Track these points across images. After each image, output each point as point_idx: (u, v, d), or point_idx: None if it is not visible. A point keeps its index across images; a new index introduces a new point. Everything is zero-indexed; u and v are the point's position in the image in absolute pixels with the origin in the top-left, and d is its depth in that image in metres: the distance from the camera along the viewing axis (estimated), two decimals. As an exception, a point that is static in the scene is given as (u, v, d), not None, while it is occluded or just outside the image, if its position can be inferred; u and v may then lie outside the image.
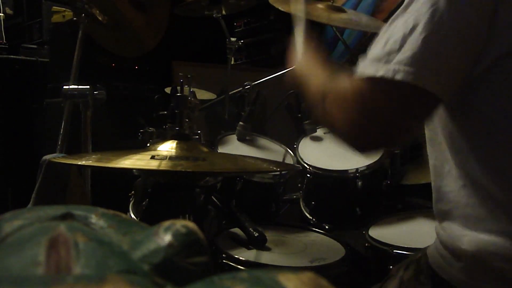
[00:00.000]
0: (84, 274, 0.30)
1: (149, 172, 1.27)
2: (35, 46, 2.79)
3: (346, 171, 1.54)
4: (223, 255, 1.13)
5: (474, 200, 0.73)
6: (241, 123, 1.69)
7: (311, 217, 1.57)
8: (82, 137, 1.44)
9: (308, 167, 1.58)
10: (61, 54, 2.36)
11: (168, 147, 1.08)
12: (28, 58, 2.68)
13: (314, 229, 1.41)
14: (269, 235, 1.25)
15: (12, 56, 2.68)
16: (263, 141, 1.75)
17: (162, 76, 2.65)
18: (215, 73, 2.44)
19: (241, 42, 2.23)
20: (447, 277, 0.76)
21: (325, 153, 1.68)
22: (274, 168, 1.31)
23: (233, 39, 2.17)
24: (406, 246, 1.18)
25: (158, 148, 1.08)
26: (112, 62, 2.50)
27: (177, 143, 1.09)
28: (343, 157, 1.63)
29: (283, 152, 1.71)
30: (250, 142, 1.72)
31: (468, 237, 0.73)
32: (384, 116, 0.72)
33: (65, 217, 0.38)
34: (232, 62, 2.37)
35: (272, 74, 2.04)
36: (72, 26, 2.11)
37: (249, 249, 1.20)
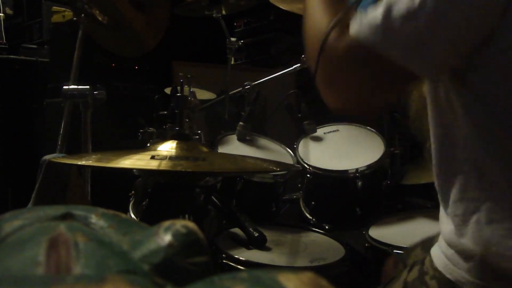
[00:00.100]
0: (84, 274, 0.30)
1: (149, 172, 1.27)
2: (35, 46, 2.79)
3: (346, 171, 1.55)
4: (223, 255, 1.13)
5: (482, 200, 0.73)
6: (241, 123, 1.70)
7: (311, 217, 1.57)
8: (82, 137, 1.44)
9: (308, 167, 1.58)
10: (61, 54, 2.36)
11: (168, 147, 1.08)
12: (28, 58, 2.68)
13: (314, 229, 1.41)
14: (269, 235, 1.25)
15: (12, 56, 2.68)
16: (263, 141, 1.75)
17: (162, 76, 2.65)
18: (215, 73, 2.44)
19: (241, 42, 2.23)
20: (453, 278, 0.76)
21: (325, 153, 1.68)
22: (274, 168, 1.31)
23: (233, 39, 2.17)
24: (406, 246, 1.17)
25: (158, 148, 1.08)
26: (112, 62, 2.50)
27: (177, 143, 1.09)
28: (343, 157, 1.63)
29: (283, 152, 1.71)
30: (250, 142, 1.72)
31: (476, 238, 0.73)
32: (363, 83, 0.72)
33: (65, 217, 0.38)
34: (232, 62, 2.37)
35: (272, 74, 2.04)
36: (72, 26, 2.11)
37: (249, 249, 1.20)
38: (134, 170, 1.36)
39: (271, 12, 2.90)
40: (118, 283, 0.29)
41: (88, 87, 1.41)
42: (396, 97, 0.81)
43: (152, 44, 1.72)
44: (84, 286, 0.27)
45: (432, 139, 0.85)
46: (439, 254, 0.80)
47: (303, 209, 1.60)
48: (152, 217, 1.31)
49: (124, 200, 1.47)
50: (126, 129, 1.91)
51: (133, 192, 1.47)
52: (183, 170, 0.95)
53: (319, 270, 1.10)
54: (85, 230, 0.36)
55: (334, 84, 0.75)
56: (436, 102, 0.79)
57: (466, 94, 0.72)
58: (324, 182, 1.60)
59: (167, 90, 2.02)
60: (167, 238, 0.36)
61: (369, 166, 1.54)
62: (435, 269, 0.80)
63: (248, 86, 1.98)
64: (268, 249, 1.21)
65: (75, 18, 1.54)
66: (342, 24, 0.73)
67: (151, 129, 1.51)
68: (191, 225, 0.37)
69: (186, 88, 1.26)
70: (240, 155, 1.43)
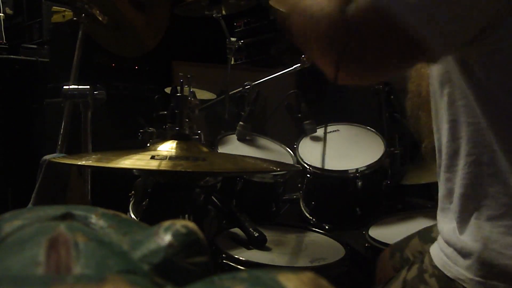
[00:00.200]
0: (84, 274, 0.30)
1: (149, 172, 1.27)
2: (35, 46, 2.79)
3: (346, 171, 1.55)
4: (223, 255, 1.13)
5: (482, 198, 0.73)
6: (241, 123, 1.70)
7: (311, 217, 1.57)
8: (82, 137, 1.44)
9: (308, 167, 1.58)
10: (61, 54, 2.36)
11: (168, 147, 1.08)
12: (28, 58, 2.68)
13: (314, 229, 1.41)
14: (269, 235, 1.25)
15: (12, 56, 2.68)
16: (263, 141, 1.75)
17: (162, 76, 2.65)
18: (215, 73, 2.44)
19: (241, 42, 2.23)
20: (452, 275, 0.76)
21: (325, 153, 1.68)
22: (274, 168, 1.31)
23: (233, 39, 2.17)
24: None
25: (158, 148, 1.08)
26: (112, 62, 2.50)
27: (177, 143, 1.09)
28: (343, 157, 1.63)
29: (283, 152, 1.71)
30: (250, 142, 1.72)
31: (475, 235, 0.74)
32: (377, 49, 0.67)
33: (65, 217, 0.38)
34: (232, 62, 2.37)
35: (272, 74, 2.04)
36: (72, 26, 2.11)
37: (249, 249, 1.20)
38: (134, 170, 1.36)
39: (271, 12, 2.90)
40: (118, 283, 0.29)
41: (88, 87, 1.41)
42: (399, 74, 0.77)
43: (152, 44, 1.72)
44: (84, 286, 0.27)
45: (436, 137, 0.85)
46: (438, 253, 0.81)
47: (303, 209, 1.60)
48: (152, 217, 1.31)
49: (124, 200, 1.47)
50: (126, 129, 1.91)
51: (133, 192, 1.47)
52: (183, 170, 0.95)
53: (319, 270, 1.10)
54: (85, 230, 0.36)
55: (365, 56, 0.69)
56: (449, 98, 0.78)
57: (472, 91, 0.72)
58: (324, 182, 1.60)
59: (167, 90, 2.03)
60: (167, 238, 0.35)
61: (369, 166, 1.54)
62: (434, 267, 0.80)
63: (248, 86, 1.98)
64: (268, 249, 1.21)
65: (75, 18, 1.53)
66: None
67: (151, 129, 1.51)
68: (191, 225, 0.37)
69: (186, 88, 1.26)
70: (240, 155, 1.43)
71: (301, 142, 1.72)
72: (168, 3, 1.81)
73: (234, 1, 2.14)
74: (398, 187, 1.62)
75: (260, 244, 1.21)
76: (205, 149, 1.15)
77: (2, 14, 2.94)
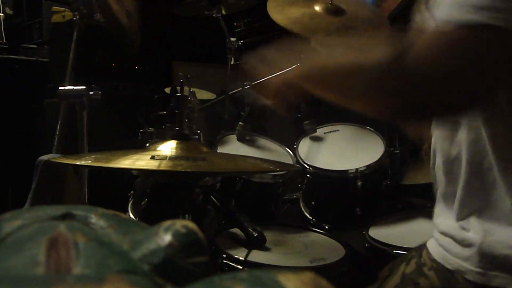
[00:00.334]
0: (84, 274, 0.30)
1: (148, 172, 1.27)
2: (35, 46, 2.79)
3: (346, 171, 1.55)
4: (223, 255, 1.13)
5: (482, 188, 0.74)
6: (240, 123, 1.70)
7: (311, 217, 1.57)
8: (78, 138, 1.43)
9: (308, 167, 1.58)
10: (61, 54, 2.35)
11: (167, 147, 1.08)
12: (28, 58, 2.68)
13: (314, 229, 1.41)
14: (269, 235, 1.25)
15: (12, 56, 2.68)
16: (263, 141, 1.75)
17: (162, 76, 2.66)
18: (215, 73, 2.44)
19: (241, 42, 2.23)
20: (452, 267, 0.76)
21: (325, 153, 1.68)
22: (274, 168, 1.31)
23: (233, 39, 2.17)
24: (406, 246, 1.18)
25: (158, 148, 1.08)
26: (112, 62, 2.50)
27: (177, 143, 1.09)
28: (343, 157, 1.63)
29: (283, 152, 1.71)
30: (250, 142, 1.72)
31: (475, 226, 0.74)
32: (485, 68, 0.64)
33: (65, 217, 0.38)
34: (232, 62, 2.37)
35: (272, 74, 2.04)
36: (72, 26, 2.11)
37: (249, 249, 1.20)
38: (133, 170, 1.36)
39: (271, 12, 2.90)
40: (118, 283, 0.29)
41: (84, 87, 1.41)
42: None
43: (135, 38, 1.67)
44: (84, 286, 0.27)
45: (433, 139, 0.86)
46: (435, 246, 0.81)
47: (303, 209, 1.60)
48: (151, 217, 1.31)
49: (123, 200, 1.47)
50: (126, 129, 1.91)
51: (132, 192, 1.47)
52: (182, 170, 0.95)
53: (319, 270, 1.10)
54: (85, 230, 0.36)
55: (457, 81, 0.65)
56: None
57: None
58: (324, 182, 1.60)
59: (167, 90, 2.03)
60: (167, 238, 0.35)
61: (369, 166, 1.54)
62: (433, 260, 0.81)
63: (248, 86, 1.98)
64: (268, 249, 1.21)
65: (74, 18, 1.53)
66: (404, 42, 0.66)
67: (151, 129, 1.51)
68: (191, 225, 0.37)
69: (186, 88, 1.26)
70: (239, 155, 1.43)
71: (301, 142, 1.72)
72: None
73: (234, 1, 2.14)
74: (398, 187, 1.62)
75: (259, 244, 1.21)
76: (205, 149, 1.15)
77: (2, 14, 2.94)
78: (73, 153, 1.30)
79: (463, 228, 0.76)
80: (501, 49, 0.63)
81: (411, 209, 1.56)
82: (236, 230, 1.28)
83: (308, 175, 1.58)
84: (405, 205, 1.64)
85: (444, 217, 0.82)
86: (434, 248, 0.82)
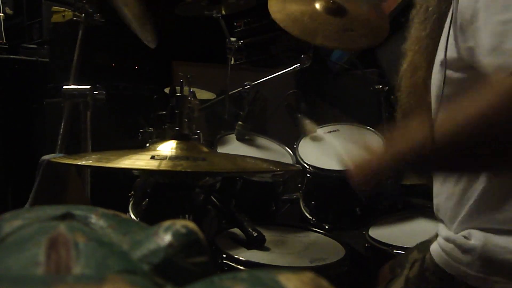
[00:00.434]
0: (84, 274, 0.30)
1: (149, 172, 1.27)
2: (35, 46, 2.79)
3: (346, 171, 1.54)
4: (223, 255, 1.13)
5: (484, 194, 0.74)
6: (240, 123, 1.69)
7: (311, 217, 1.57)
8: (81, 137, 1.44)
9: (308, 167, 1.58)
10: (61, 54, 2.36)
11: (168, 147, 1.08)
12: (28, 58, 2.68)
13: (314, 229, 1.41)
14: (269, 235, 1.25)
15: (12, 56, 2.68)
16: (263, 141, 1.75)
17: (162, 76, 2.65)
18: (215, 73, 2.44)
19: (241, 42, 2.23)
20: (454, 272, 0.77)
21: (325, 153, 1.67)
22: (274, 168, 1.31)
23: (233, 39, 2.17)
24: (406, 246, 1.17)
25: (158, 148, 1.08)
26: (112, 62, 2.50)
27: (177, 143, 1.09)
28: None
29: (283, 152, 1.71)
30: (250, 142, 1.72)
31: (476, 232, 0.74)
32: None
33: (65, 217, 0.38)
34: (232, 62, 2.37)
35: (272, 74, 2.04)
36: (72, 26, 2.11)
37: (249, 249, 1.20)
38: (134, 170, 1.36)
39: (271, 12, 2.90)
40: (118, 283, 0.29)
41: (88, 87, 1.41)
42: None
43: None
44: (84, 286, 0.27)
45: None
46: (438, 251, 0.81)
47: (303, 209, 1.60)
48: (152, 217, 1.31)
49: (124, 200, 1.47)
50: (126, 129, 1.91)
51: (132, 192, 1.47)
52: (182, 170, 0.95)
53: (319, 270, 1.10)
54: (85, 230, 0.36)
55: None
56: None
57: None
58: (324, 182, 1.60)
59: (167, 90, 2.02)
60: (167, 238, 0.35)
61: (369, 166, 1.54)
62: (436, 265, 0.81)
63: (248, 86, 1.98)
64: (268, 249, 1.21)
65: (75, 18, 1.53)
66: None
67: (151, 129, 1.51)
68: (191, 225, 0.37)
69: (186, 88, 1.26)
70: (239, 155, 1.43)
71: (301, 142, 1.72)
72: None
73: (234, 1, 2.14)
74: (398, 187, 1.62)
75: (259, 244, 1.21)
76: (204, 149, 1.15)
77: (2, 14, 2.94)
78: (75, 153, 1.31)
79: (464, 236, 0.76)
80: None
81: (411, 209, 1.55)
82: (236, 230, 1.28)
83: (308, 175, 1.58)
84: (405, 205, 1.64)
85: (445, 221, 0.82)
86: (436, 254, 0.82)
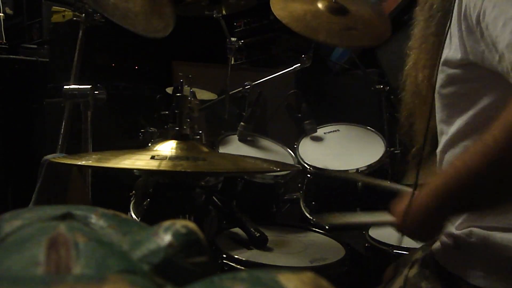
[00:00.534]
0: (84, 274, 0.30)
1: (149, 172, 1.27)
2: (35, 46, 2.79)
3: (346, 171, 1.54)
4: (223, 255, 1.13)
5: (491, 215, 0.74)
6: (242, 123, 1.69)
7: (311, 217, 1.57)
8: (82, 137, 1.44)
9: (308, 167, 1.58)
10: (61, 54, 2.36)
11: (168, 147, 1.08)
12: (28, 58, 2.68)
13: (314, 229, 1.41)
14: (270, 235, 1.25)
15: (12, 56, 2.68)
16: (265, 142, 1.75)
17: (162, 76, 2.65)
18: (215, 73, 2.44)
19: (241, 42, 2.23)
20: (455, 270, 0.77)
21: (325, 153, 1.68)
22: (275, 168, 1.31)
23: (233, 39, 2.17)
24: (406, 246, 1.17)
25: (158, 148, 1.08)
26: (112, 62, 2.50)
27: (177, 143, 1.09)
28: (343, 157, 1.63)
29: (284, 153, 1.71)
30: (251, 143, 1.72)
31: (477, 230, 0.74)
32: None
33: (65, 217, 0.38)
34: (232, 62, 2.37)
35: (272, 74, 2.04)
36: (72, 26, 2.11)
37: (249, 249, 1.20)
38: (135, 170, 1.36)
39: (271, 12, 2.90)
40: (118, 283, 0.29)
41: (89, 87, 1.41)
42: None
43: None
44: (84, 286, 0.27)
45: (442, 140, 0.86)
46: (440, 250, 0.81)
47: (303, 209, 1.60)
48: (152, 217, 1.31)
49: (124, 200, 1.47)
50: (127, 129, 1.91)
51: (133, 192, 1.47)
52: (183, 170, 0.95)
53: (319, 270, 1.10)
54: (85, 230, 0.36)
55: None
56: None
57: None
58: (324, 182, 1.60)
59: (169, 90, 2.02)
60: (167, 238, 0.35)
61: (369, 166, 1.54)
62: (436, 263, 0.81)
63: (248, 86, 1.98)
64: (268, 249, 1.21)
65: (75, 18, 1.53)
66: None
67: (152, 129, 1.51)
68: (191, 225, 0.37)
69: (186, 88, 1.26)
70: (240, 155, 1.43)
71: (301, 142, 1.72)
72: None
73: (234, 1, 2.14)
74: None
75: (261, 244, 1.21)
76: (205, 149, 1.15)
77: (2, 14, 2.94)
78: (76, 153, 1.31)
79: (466, 234, 0.76)
80: None
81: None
82: (236, 230, 1.28)
83: (309, 175, 1.58)
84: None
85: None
86: (438, 251, 0.82)
